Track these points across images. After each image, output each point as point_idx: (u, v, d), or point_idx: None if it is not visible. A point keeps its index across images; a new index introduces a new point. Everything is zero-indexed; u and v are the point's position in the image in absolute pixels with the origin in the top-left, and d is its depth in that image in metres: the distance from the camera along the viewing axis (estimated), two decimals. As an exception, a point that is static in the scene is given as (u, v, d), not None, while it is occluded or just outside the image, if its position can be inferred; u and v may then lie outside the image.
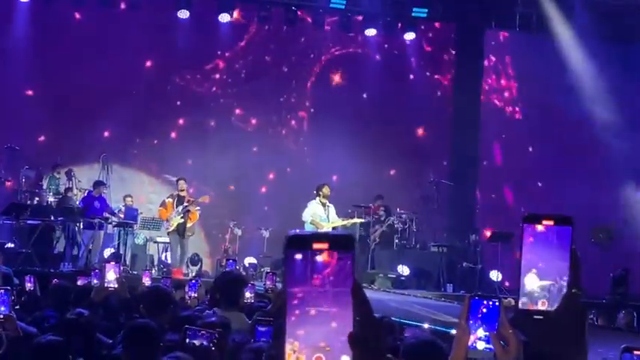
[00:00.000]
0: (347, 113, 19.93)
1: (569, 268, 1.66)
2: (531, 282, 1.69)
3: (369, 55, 20.73)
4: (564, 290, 1.67)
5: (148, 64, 19.90)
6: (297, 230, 1.38)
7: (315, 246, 1.32)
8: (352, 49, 20.80)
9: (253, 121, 20.44)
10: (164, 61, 19.79)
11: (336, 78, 20.79)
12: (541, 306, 1.65)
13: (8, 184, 16.96)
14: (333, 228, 15.58)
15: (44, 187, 17.01)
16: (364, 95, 20.74)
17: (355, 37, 20.53)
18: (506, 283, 16.96)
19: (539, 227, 1.67)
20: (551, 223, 1.68)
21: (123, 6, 18.91)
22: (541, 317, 1.64)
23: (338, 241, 1.33)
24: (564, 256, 1.66)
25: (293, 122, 20.82)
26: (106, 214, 16.41)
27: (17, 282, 9.69)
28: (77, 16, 19.22)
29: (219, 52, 20.33)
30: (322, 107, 20.37)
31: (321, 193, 15.37)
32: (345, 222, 16.01)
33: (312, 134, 20.47)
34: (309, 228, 15.10)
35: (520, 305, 1.70)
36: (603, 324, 12.97)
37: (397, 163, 20.43)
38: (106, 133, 19.23)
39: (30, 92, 19.09)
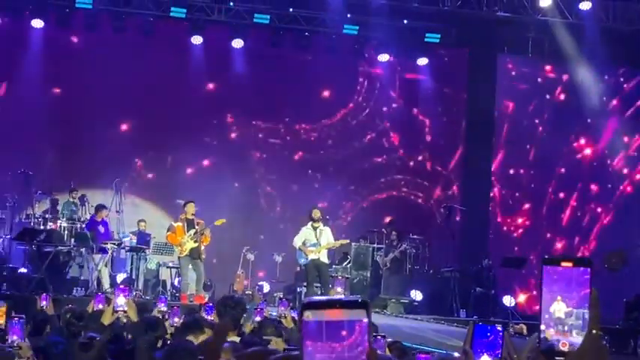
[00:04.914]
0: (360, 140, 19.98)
1: (588, 308, 1.66)
2: (558, 309, 1.68)
3: (383, 81, 20.74)
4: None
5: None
6: (313, 297, 1.37)
7: (329, 312, 1.31)
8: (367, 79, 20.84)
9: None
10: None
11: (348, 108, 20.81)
12: (562, 347, 1.65)
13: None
14: (328, 249, 15.42)
15: (59, 212, 16.85)
16: (377, 122, 20.73)
17: (366, 63, 20.56)
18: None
19: (559, 269, 1.67)
20: (570, 264, 1.68)
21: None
22: (562, 358, 1.63)
23: (351, 307, 1.32)
24: (583, 297, 1.66)
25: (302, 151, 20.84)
26: (115, 240, 16.46)
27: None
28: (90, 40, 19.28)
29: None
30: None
31: (311, 217, 15.31)
32: (336, 243, 15.73)
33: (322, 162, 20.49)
34: (299, 253, 15.17)
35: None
36: (616, 350, 12.85)
37: (411, 188, 20.39)
38: (119, 158, 19.12)
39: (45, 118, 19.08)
